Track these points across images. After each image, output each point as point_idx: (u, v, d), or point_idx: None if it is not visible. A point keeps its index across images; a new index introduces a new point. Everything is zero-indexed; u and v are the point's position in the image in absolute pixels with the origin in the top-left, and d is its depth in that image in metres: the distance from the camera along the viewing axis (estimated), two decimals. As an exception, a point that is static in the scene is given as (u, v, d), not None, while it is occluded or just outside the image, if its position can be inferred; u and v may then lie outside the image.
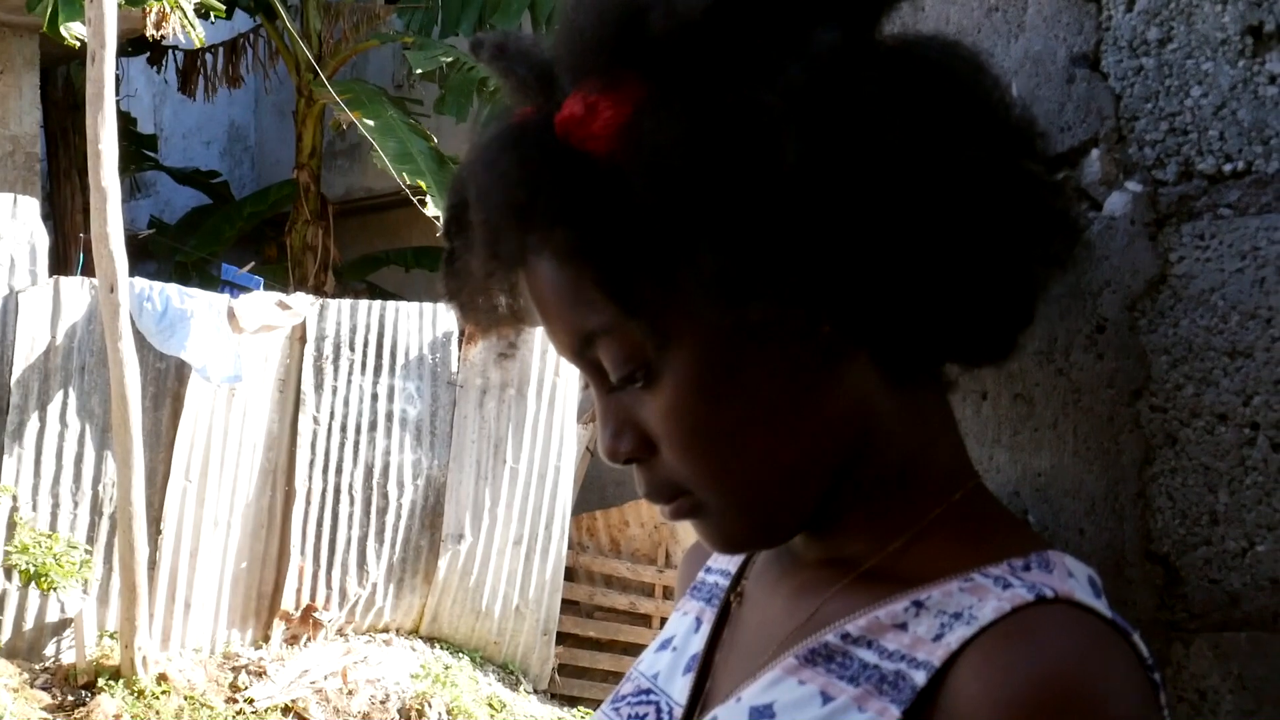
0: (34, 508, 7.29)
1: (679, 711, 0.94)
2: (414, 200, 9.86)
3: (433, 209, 9.81)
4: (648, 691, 0.98)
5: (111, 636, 7.46)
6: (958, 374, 0.95)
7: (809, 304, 0.79)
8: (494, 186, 0.82)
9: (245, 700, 7.65)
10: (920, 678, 0.77)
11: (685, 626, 1.02)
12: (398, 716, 8.06)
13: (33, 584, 6.99)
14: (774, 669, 0.86)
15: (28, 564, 6.76)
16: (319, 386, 8.47)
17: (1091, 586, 0.81)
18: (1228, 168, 0.92)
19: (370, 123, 10.23)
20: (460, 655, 8.96)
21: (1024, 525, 0.89)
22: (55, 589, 6.86)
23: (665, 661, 1.00)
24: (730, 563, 1.04)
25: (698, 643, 0.99)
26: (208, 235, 12.72)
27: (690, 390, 0.81)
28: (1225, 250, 0.92)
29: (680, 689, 0.96)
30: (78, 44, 8.42)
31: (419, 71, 10.74)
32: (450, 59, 10.69)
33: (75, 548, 7.13)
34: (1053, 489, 1.00)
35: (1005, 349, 0.89)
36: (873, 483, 0.87)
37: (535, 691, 9.21)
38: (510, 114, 0.86)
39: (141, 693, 7.19)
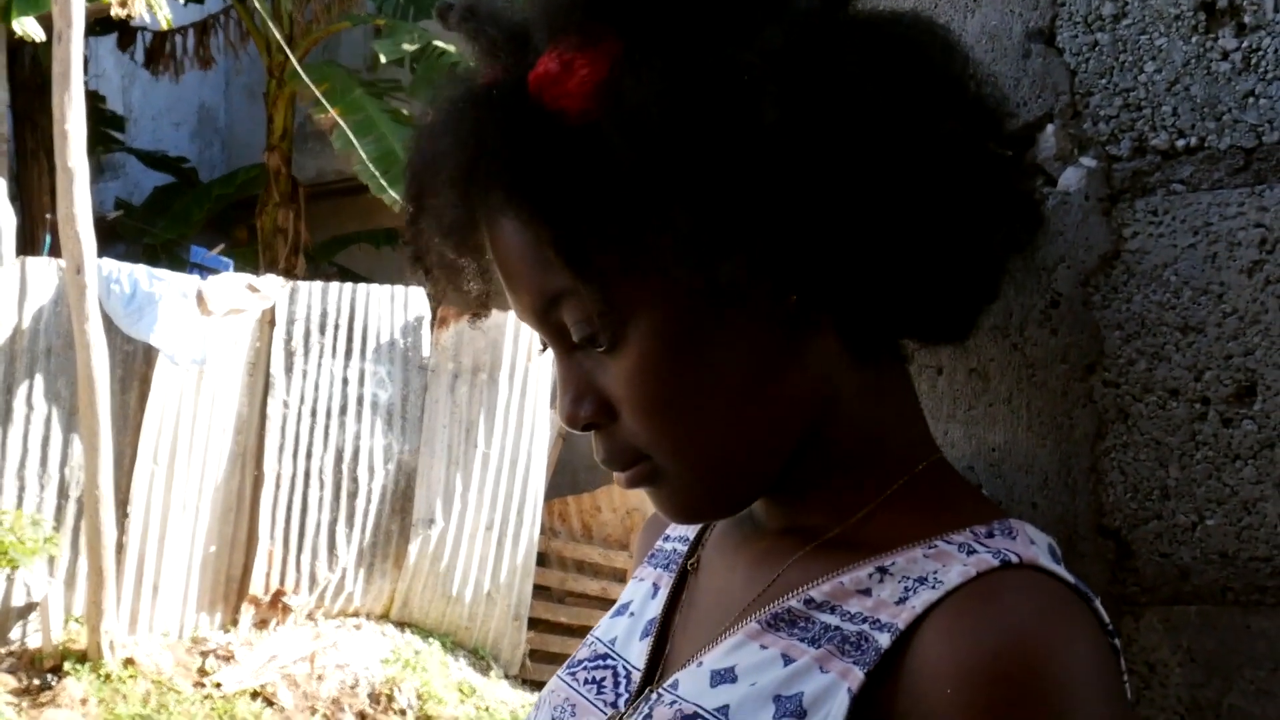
0: None
1: (637, 675, 0.94)
2: (391, 203, 9.80)
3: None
4: (605, 656, 0.98)
5: (78, 620, 7.41)
6: (915, 349, 0.95)
7: (777, 272, 0.79)
8: (460, 146, 0.81)
9: (213, 685, 7.62)
10: (885, 640, 0.77)
11: (643, 592, 1.02)
12: (367, 701, 8.04)
13: (-1, 567, 6.95)
14: (736, 634, 0.86)
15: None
16: (289, 370, 8.43)
17: (1052, 554, 0.81)
18: (1181, 143, 0.92)
19: (349, 119, 10.15)
20: (431, 640, 8.95)
21: (984, 496, 0.90)
22: (18, 567, 6.81)
23: (622, 627, 1.00)
24: (689, 530, 1.04)
25: (655, 608, 0.99)
26: (177, 217, 12.64)
27: (654, 355, 0.81)
28: (1178, 226, 0.92)
29: (638, 653, 0.96)
30: (31, 38, 8.37)
31: (385, 59, 10.68)
32: (418, 45, 10.64)
33: (38, 524, 7.08)
34: (1006, 464, 1.00)
35: (966, 327, 0.89)
36: (835, 455, 0.87)
37: (506, 676, 9.21)
38: (474, 76, 0.86)
39: (108, 677, 7.16)
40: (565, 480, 10.63)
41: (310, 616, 8.63)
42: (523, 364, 9.10)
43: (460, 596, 9.09)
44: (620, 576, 9.76)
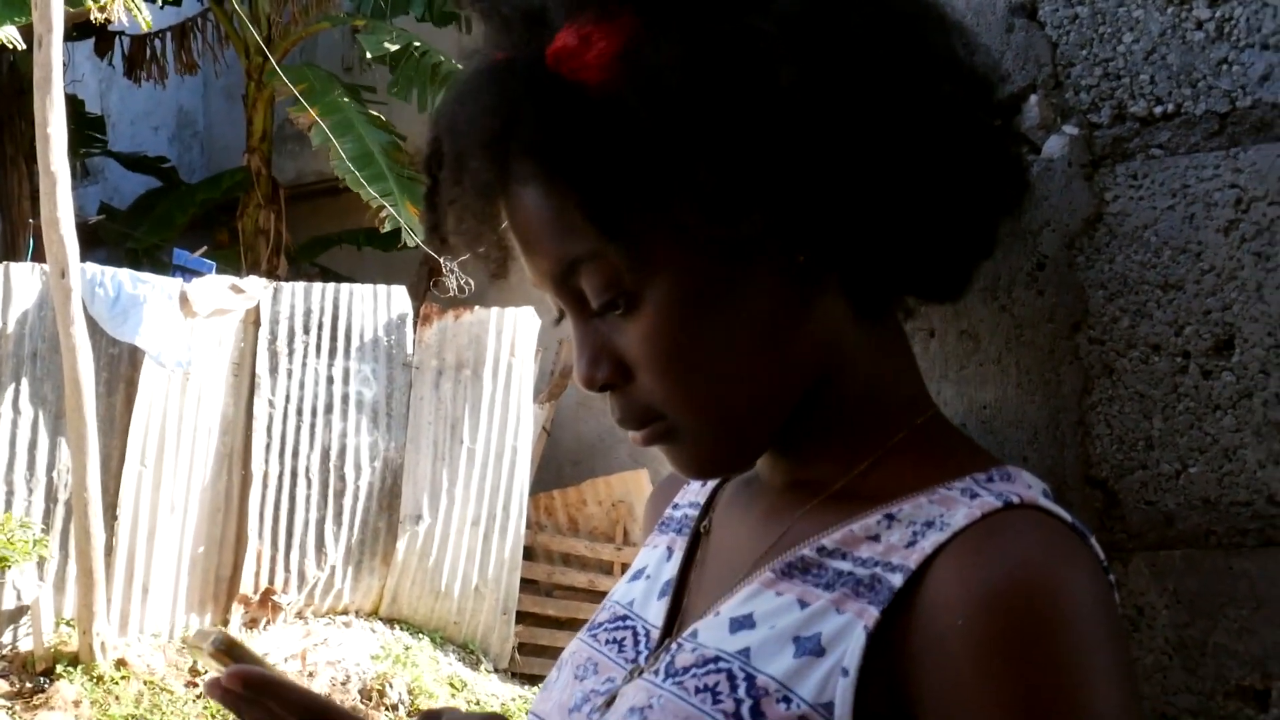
0: (-12, 495, 7.25)
1: (656, 633, 0.97)
2: (369, 202, 9.82)
3: (393, 217, 9.80)
4: (624, 618, 1.02)
5: (69, 623, 7.43)
6: (912, 306, 0.99)
7: (788, 231, 0.83)
8: (480, 116, 0.85)
9: (205, 685, 7.63)
10: (897, 580, 0.81)
11: (656, 557, 1.06)
12: (359, 697, 8.07)
13: (-12, 572, 6.96)
14: (751, 584, 0.90)
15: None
16: (274, 370, 8.45)
17: (1047, 497, 0.85)
18: (1158, 110, 0.97)
19: (328, 120, 10.17)
20: (420, 636, 8.98)
21: (980, 447, 0.93)
22: (8, 568, 6.81)
23: (639, 589, 1.04)
24: (698, 495, 1.08)
25: (670, 569, 1.02)
26: (159, 221, 12.62)
27: (670, 316, 0.85)
28: (1157, 189, 0.97)
29: (655, 612, 1.00)
30: (11, 45, 8.37)
31: (370, 56, 10.68)
32: (400, 45, 10.65)
33: (27, 527, 7.08)
34: (997, 420, 1.05)
35: (963, 284, 0.93)
36: (838, 409, 0.92)
37: (496, 670, 9.24)
38: (489, 54, 0.89)
39: (100, 678, 7.18)
40: (551, 474, 10.66)
41: (300, 615, 8.65)
42: (506, 360, 9.13)
43: (449, 592, 9.12)
44: (607, 569, 9.79)
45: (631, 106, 0.80)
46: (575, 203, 0.83)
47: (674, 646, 0.91)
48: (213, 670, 0.83)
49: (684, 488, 1.11)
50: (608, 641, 1.00)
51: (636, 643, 0.98)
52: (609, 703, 0.92)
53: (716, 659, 0.86)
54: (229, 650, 0.79)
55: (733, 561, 0.95)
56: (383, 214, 9.76)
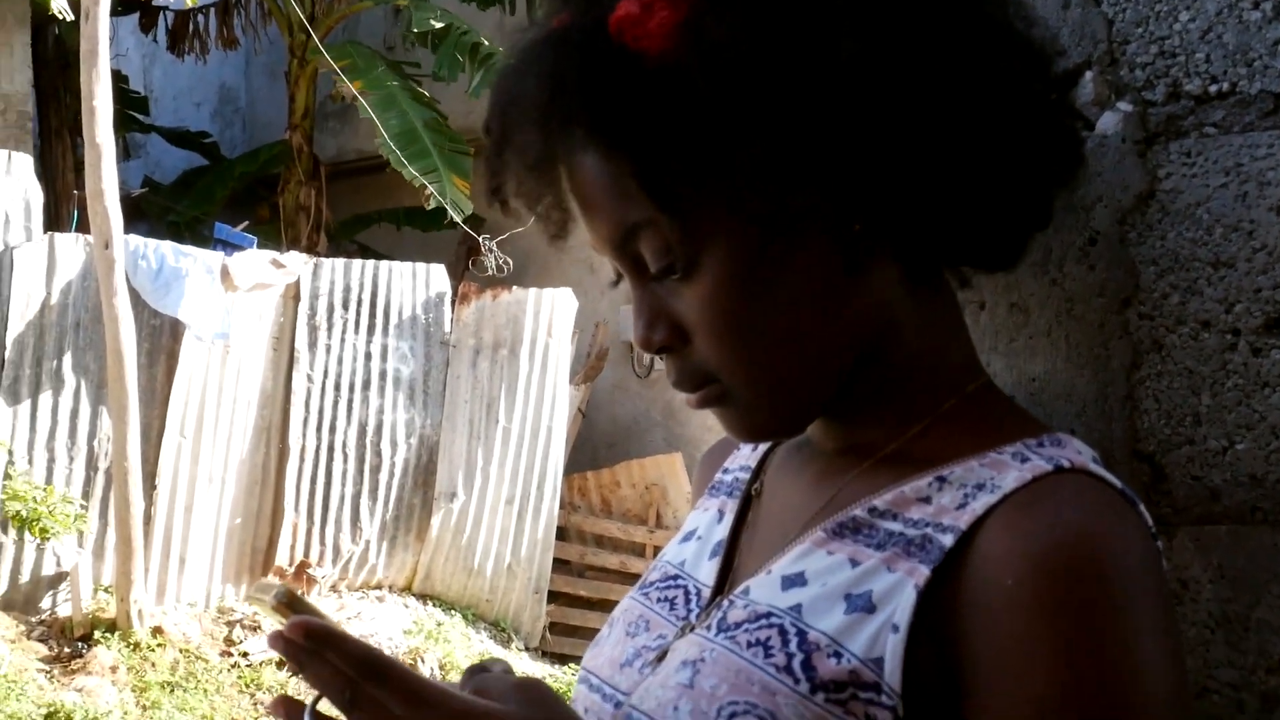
0: (30, 463, 7.33)
1: (707, 592, 0.99)
2: (411, 181, 9.84)
3: (439, 190, 9.81)
4: (675, 577, 1.04)
5: (107, 590, 7.52)
6: (967, 275, 1.00)
7: (844, 201, 0.84)
8: (540, 82, 0.86)
9: (240, 654, 7.72)
10: (948, 540, 0.82)
11: (708, 519, 1.08)
12: (390, 672, 8.12)
13: (29, 536, 7.04)
14: (803, 543, 0.91)
15: (21, 510, 6.79)
16: (313, 345, 8.51)
17: (1097, 464, 0.86)
18: (1213, 88, 0.98)
19: (370, 95, 10.20)
20: (452, 612, 9.04)
21: (1030, 414, 0.94)
22: (50, 538, 6.90)
23: (690, 550, 1.06)
24: (749, 459, 1.09)
25: (721, 531, 1.04)
26: (200, 195, 12.69)
27: (727, 281, 0.86)
28: (1210, 167, 0.97)
29: (707, 572, 1.01)
30: (61, 15, 8.44)
31: (415, 31, 10.70)
32: (446, 22, 10.67)
33: (70, 502, 7.17)
34: (1046, 393, 1.06)
35: (1017, 254, 0.94)
36: (891, 375, 0.93)
37: (526, 649, 9.29)
38: (550, 21, 0.90)
39: (137, 645, 7.26)
40: (585, 456, 10.69)
41: (334, 588, 8.73)
42: (543, 340, 9.16)
43: (481, 569, 9.17)
44: (639, 551, 9.83)
45: (692, 76, 0.82)
46: (630, 171, 0.84)
47: (725, 603, 0.93)
48: (275, 622, 0.85)
49: (734, 452, 1.12)
50: (659, 600, 1.02)
51: (688, 601, 1.00)
52: (660, 658, 0.94)
53: (768, 615, 0.88)
54: (290, 603, 0.80)
55: (784, 523, 0.97)
56: (427, 191, 9.78)
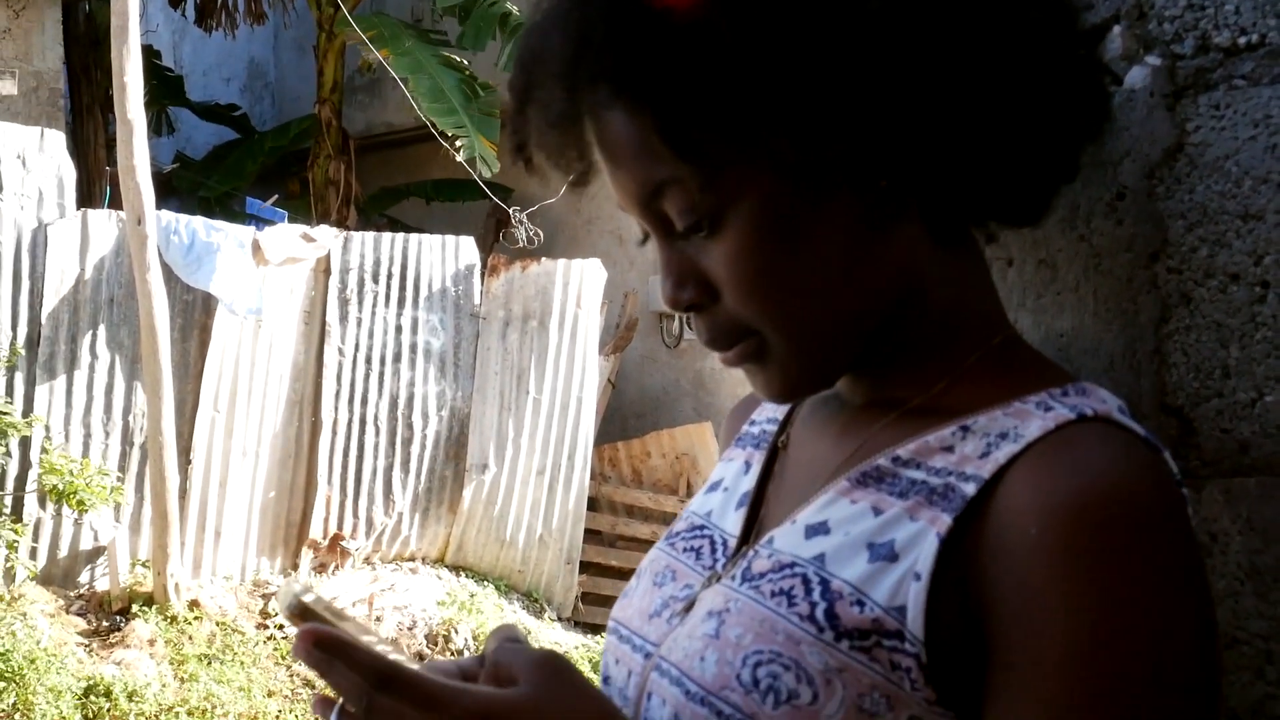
0: (66, 438, 7.40)
1: (733, 542, 1.00)
2: (439, 136, 9.86)
3: (468, 148, 9.81)
4: (701, 528, 1.05)
5: (144, 564, 7.59)
6: (994, 231, 1.00)
7: (871, 156, 0.85)
8: (569, 40, 0.86)
9: (275, 626, 7.79)
10: (970, 489, 0.83)
11: (734, 470, 1.09)
12: (425, 642, 8.19)
13: (66, 510, 7.11)
14: (827, 493, 0.92)
15: (58, 483, 6.86)
16: (344, 318, 8.55)
17: (1122, 413, 0.86)
18: (1242, 40, 0.97)
19: (399, 60, 10.22)
20: (485, 583, 9.10)
21: (1056, 364, 0.94)
22: (86, 509, 6.96)
23: (717, 501, 1.07)
24: (776, 412, 1.10)
25: (748, 482, 1.05)
26: (230, 170, 12.75)
27: (755, 237, 0.87)
28: (1239, 119, 0.97)
29: (733, 522, 1.02)
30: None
31: (442, 6, 10.70)
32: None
33: (106, 474, 7.24)
34: (1074, 348, 1.06)
35: (1042, 208, 0.94)
36: (917, 330, 0.93)
37: (559, 619, 9.35)
38: None
39: (174, 618, 7.33)
40: (615, 426, 10.72)
41: (368, 560, 8.79)
42: (572, 311, 9.17)
43: (513, 541, 9.22)
44: (670, 520, 9.82)
45: (720, 30, 0.82)
46: (655, 127, 0.85)
47: (751, 553, 0.94)
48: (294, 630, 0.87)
49: (761, 405, 1.13)
50: (685, 550, 1.03)
51: (714, 551, 1.01)
52: (688, 608, 0.95)
53: (792, 564, 0.89)
54: (302, 613, 0.81)
55: (809, 474, 0.98)
56: (457, 145, 9.77)
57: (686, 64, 0.83)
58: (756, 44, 0.81)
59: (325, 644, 0.76)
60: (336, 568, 8.61)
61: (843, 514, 0.89)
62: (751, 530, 1.01)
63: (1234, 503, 0.98)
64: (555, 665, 0.80)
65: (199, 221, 7.88)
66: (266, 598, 8.09)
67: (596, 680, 0.92)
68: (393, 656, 0.78)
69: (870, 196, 0.87)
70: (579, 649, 8.78)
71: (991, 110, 0.85)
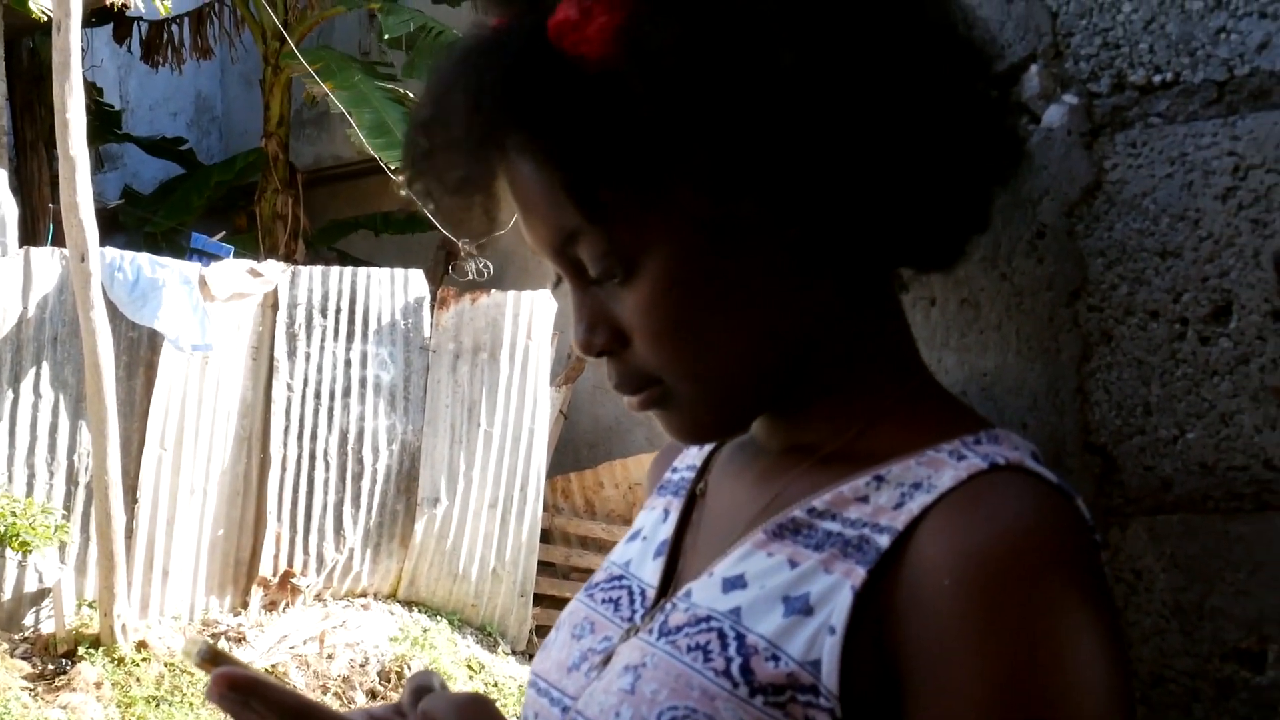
0: (9, 478, 7.29)
1: (651, 592, 0.99)
2: (387, 170, 9.85)
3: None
4: (620, 578, 1.04)
5: (90, 605, 7.49)
6: (909, 279, 1.01)
7: (782, 207, 0.84)
8: (479, 88, 0.85)
9: (225, 666, 7.68)
10: (885, 540, 0.82)
11: (654, 519, 1.08)
12: (377, 679, 8.12)
13: (9, 552, 7.00)
14: (743, 545, 0.91)
15: (0, 525, 6.76)
16: (292, 353, 8.49)
17: (1035, 459, 0.86)
18: (1157, 79, 0.98)
19: (343, 94, 10.20)
20: (438, 618, 9.03)
21: (971, 410, 0.94)
22: (30, 552, 6.87)
23: (635, 550, 1.06)
24: (696, 458, 1.09)
25: (666, 530, 1.04)
26: (177, 205, 12.67)
27: (665, 287, 0.86)
28: (1156, 157, 0.97)
29: (651, 572, 1.01)
30: (44, 17, 8.39)
31: (388, 37, 10.71)
32: (419, 24, 10.67)
33: (49, 513, 7.14)
34: (997, 387, 1.06)
35: (955, 255, 0.94)
36: (831, 376, 0.93)
37: (514, 653, 9.28)
38: (486, 25, 0.89)
39: (122, 660, 7.23)
40: (568, 457, 10.69)
41: (319, 597, 8.71)
42: (523, 343, 9.16)
43: (466, 574, 9.16)
44: (625, 552, 9.81)
45: (630, 83, 0.81)
46: (562, 183, 0.84)
47: (668, 606, 0.93)
48: (206, 678, 0.87)
49: (683, 452, 1.12)
50: (604, 601, 1.02)
51: (632, 602, 1.00)
52: (605, 661, 0.94)
53: (708, 618, 0.88)
54: (214, 658, 0.82)
55: (727, 523, 0.97)
56: (399, 180, 9.76)
57: (597, 114, 0.82)
58: (667, 95, 0.80)
59: (240, 685, 0.77)
60: (287, 605, 8.53)
61: (759, 567, 0.88)
62: (670, 580, 1.00)
63: (1158, 540, 0.98)
64: (481, 707, 0.82)
65: (144, 258, 7.81)
66: (216, 637, 8.00)
67: None
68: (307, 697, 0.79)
69: (781, 246, 0.86)
70: (530, 675, 8.70)
71: (901, 161, 0.84)
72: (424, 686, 0.90)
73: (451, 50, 0.90)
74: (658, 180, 0.83)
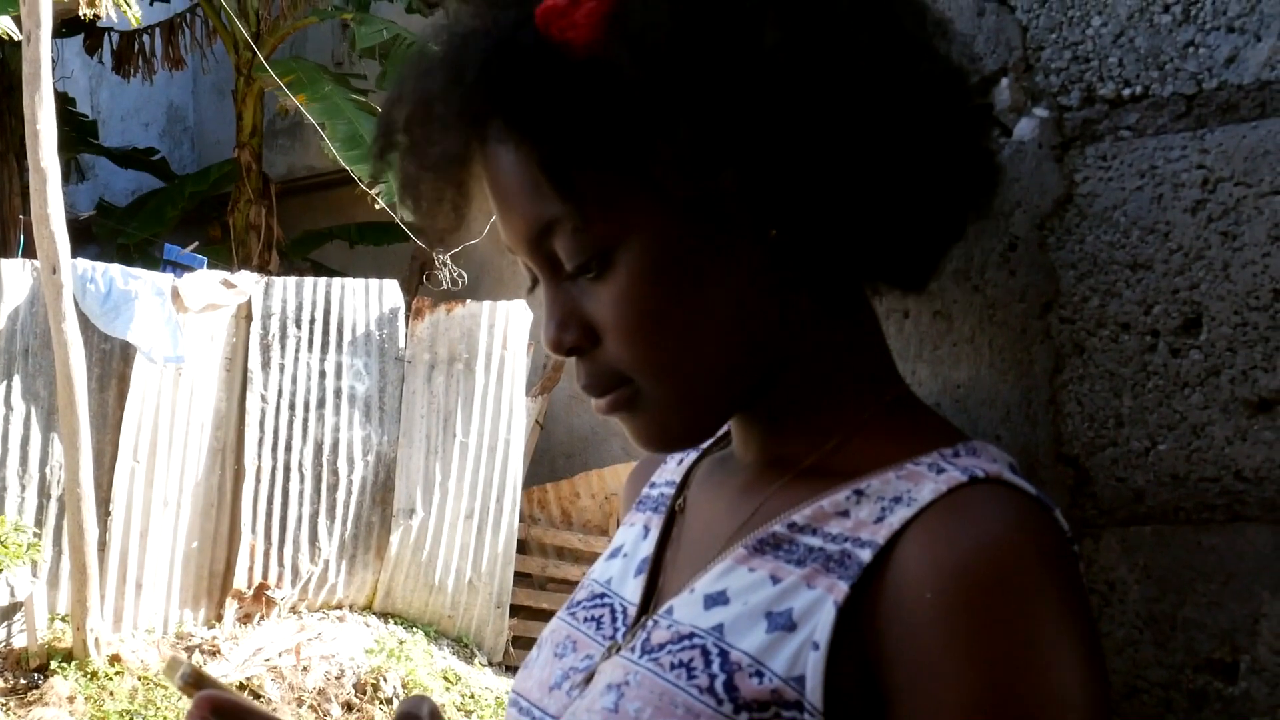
0: (-19, 492, 7.25)
1: (633, 610, 0.99)
2: (359, 182, 9.82)
3: (387, 192, 9.77)
4: (601, 595, 1.03)
5: (63, 619, 7.43)
6: (884, 292, 1.01)
7: (761, 203, 0.84)
8: (461, 75, 0.85)
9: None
10: (866, 555, 0.82)
11: (634, 535, 1.07)
12: (353, 691, 8.08)
13: (-19, 568, 6.96)
14: (724, 560, 0.91)
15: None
16: (266, 365, 8.46)
17: (1013, 470, 0.87)
18: (1126, 92, 0.98)
19: (315, 105, 10.19)
20: (414, 630, 9.00)
21: (948, 422, 0.94)
22: (1, 567, 6.82)
23: (616, 567, 1.05)
24: (674, 474, 1.09)
25: (647, 547, 1.04)
26: (150, 217, 12.61)
27: (641, 280, 0.86)
28: (1126, 170, 0.98)
29: (632, 589, 1.01)
30: (10, 37, 8.36)
31: (361, 47, 10.69)
32: (392, 35, 10.66)
33: (22, 530, 7.09)
34: (971, 399, 1.06)
35: (928, 273, 0.95)
36: (808, 389, 0.93)
37: (490, 664, 9.26)
38: (468, 14, 0.89)
39: (95, 674, 7.18)
40: (544, 468, 10.67)
41: (294, 609, 8.66)
42: (499, 353, 9.14)
43: (442, 585, 9.13)
44: (602, 562, 9.80)
45: (619, 66, 0.81)
46: (540, 163, 0.84)
47: (650, 624, 0.92)
48: (187, 699, 0.87)
49: (661, 467, 1.12)
50: (586, 619, 1.01)
51: (614, 619, 0.99)
52: (587, 679, 0.94)
53: (691, 635, 0.87)
54: (196, 681, 0.82)
55: (707, 538, 0.96)
56: (377, 189, 9.74)
57: (579, 99, 0.82)
58: (654, 78, 0.81)
59: (223, 709, 0.77)
60: (262, 617, 8.48)
61: (741, 583, 0.88)
62: (651, 597, 0.99)
63: (1130, 551, 0.98)
64: None
65: (116, 269, 7.78)
66: (190, 650, 7.95)
67: None
68: None
69: (758, 246, 0.87)
70: (511, 694, 8.69)
71: (878, 158, 0.85)
72: (411, 714, 0.89)
73: (436, 36, 0.90)
74: (638, 163, 0.83)
